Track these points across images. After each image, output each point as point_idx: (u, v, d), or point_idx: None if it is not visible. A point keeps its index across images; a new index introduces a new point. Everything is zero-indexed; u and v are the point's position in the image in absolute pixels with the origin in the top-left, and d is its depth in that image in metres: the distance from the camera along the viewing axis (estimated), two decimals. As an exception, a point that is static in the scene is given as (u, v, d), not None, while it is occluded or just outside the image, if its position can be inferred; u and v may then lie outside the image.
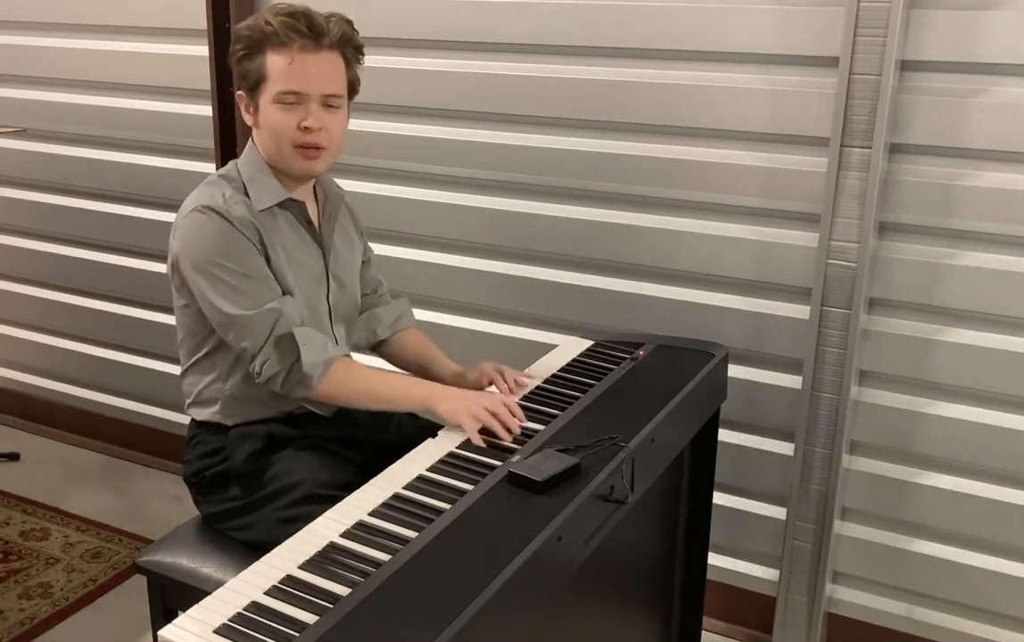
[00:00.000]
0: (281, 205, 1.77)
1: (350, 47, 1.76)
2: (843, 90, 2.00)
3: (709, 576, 2.25)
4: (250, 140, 1.80)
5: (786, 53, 2.10)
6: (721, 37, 2.15)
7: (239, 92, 1.75)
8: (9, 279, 3.35)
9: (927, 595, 2.27)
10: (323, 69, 1.70)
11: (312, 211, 1.85)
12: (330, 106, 1.72)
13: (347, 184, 2.62)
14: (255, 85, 1.71)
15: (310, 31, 1.68)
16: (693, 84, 2.20)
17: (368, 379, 1.76)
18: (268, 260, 1.72)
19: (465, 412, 1.64)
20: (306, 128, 1.69)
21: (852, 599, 2.35)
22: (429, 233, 2.58)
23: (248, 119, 1.76)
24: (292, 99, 1.69)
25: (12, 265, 3.32)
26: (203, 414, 1.82)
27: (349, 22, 1.75)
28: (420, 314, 2.61)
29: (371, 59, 2.56)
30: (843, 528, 2.31)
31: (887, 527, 2.28)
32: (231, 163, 1.81)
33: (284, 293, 1.73)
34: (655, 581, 2.09)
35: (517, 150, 2.42)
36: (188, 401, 1.86)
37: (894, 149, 2.06)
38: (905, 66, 2.01)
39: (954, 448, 2.16)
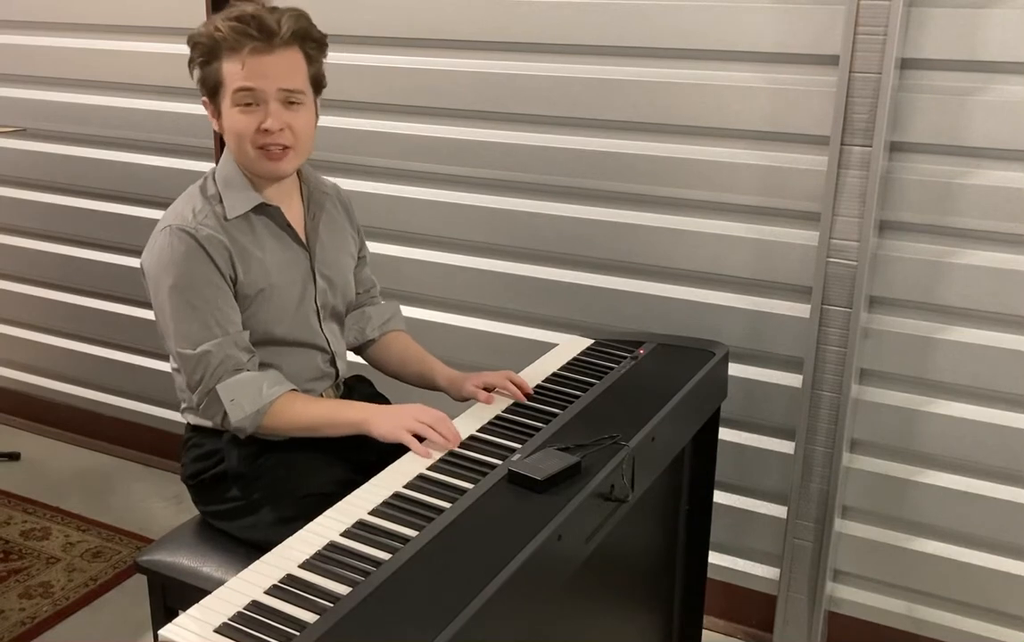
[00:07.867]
0: (256, 211, 1.75)
1: (309, 41, 1.72)
2: (843, 88, 2.00)
3: (710, 575, 2.25)
4: (225, 147, 1.77)
5: (786, 51, 2.10)
6: (721, 36, 2.14)
7: (203, 98, 1.73)
8: (9, 279, 3.35)
9: (928, 593, 2.27)
10: (278, 67, 1.67)
11: (294, 211, 1.82)
12: (291, 102, 1.69)
13: (347, 183, 2.63)
14: (214, 91, 1.69)
15: (260, 33, 1.64)
16: (693, 83, 2.20)
17: (300, 411, 1.71)
18: (236, 278, 1.70)
19: (400, 428, 1.62)
20: (265, 130, 1.67)
21: (853, 597, 2.35)
22: (429, 232, 2.58)
23: (215, 125, 1.74)
24: (249, 99, 1.66)
25: (12, 265, 3.32)
26: (197, 418, 1.81)
27: (305, 16, 1.71)
28: (420, 313, 2.62)
29: (371, 58, 2.58)
30: (844, 526, 2.31)
31: (888, 525, 2.28)
32: (210, 169, 1.78)
33: (245, 318, 1.71)
34: (656, 580, 2.09)
35: (517, 149, 2.41)
36: (183, 405, 1.85)
37: (894, 147, 2.06)
38: (905, 64, 2.01)
39: (954, 446, 2.15)
